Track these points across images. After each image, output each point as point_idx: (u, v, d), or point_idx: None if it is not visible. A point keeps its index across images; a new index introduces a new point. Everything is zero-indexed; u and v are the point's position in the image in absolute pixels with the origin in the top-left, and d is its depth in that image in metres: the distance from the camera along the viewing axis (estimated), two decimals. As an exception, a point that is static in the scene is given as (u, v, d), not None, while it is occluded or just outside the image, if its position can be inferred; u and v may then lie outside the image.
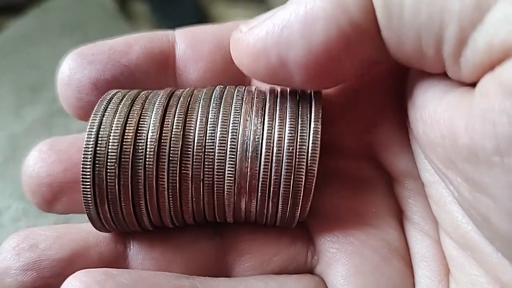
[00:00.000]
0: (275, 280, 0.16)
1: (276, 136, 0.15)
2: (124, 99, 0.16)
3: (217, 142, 0.15)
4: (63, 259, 0.16)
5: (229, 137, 0.15)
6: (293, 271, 0.17)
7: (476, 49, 0.11)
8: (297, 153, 0.15)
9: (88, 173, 0.15)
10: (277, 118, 0.15)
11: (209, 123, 0.15)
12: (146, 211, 0.15)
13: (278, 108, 0.15)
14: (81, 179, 0.15)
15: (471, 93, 0.12)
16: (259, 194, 0.15)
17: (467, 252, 0.15)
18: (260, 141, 0.15)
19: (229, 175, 0.15)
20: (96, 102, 0.16)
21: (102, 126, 0.15)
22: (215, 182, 0.15)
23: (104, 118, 0.15)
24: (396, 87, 0.16)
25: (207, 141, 0.15)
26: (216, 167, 0.15)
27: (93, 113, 0.15)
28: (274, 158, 0.15)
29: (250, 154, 0.15)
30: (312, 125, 0.15)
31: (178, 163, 0.15)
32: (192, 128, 0.15)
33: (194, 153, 0.15)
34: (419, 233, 0.17)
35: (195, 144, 0.15)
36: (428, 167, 0.16)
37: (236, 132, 0.15)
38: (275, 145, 0.15)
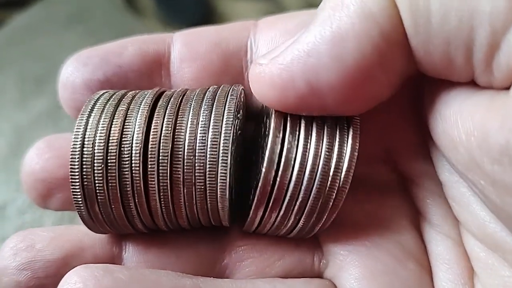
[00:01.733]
0: (282, 283, 0.16)
1: (312, 151, 0.14)
2: (111, 99, 0.15)
3: (209, 144, 0.14)
4: (57, 260, 0.16)
5: (222, 139, 0.14)
6: (299, 275, 0.17)
7: (510, 52, 0.11)
8: (332, 172, 0.14)
9: (77, 175, 0.14)
10: (313, 133, 0.14)
11: (200, 124, 0.14)
12: (137, 214, 0.15)
13: (314, 123, 0.15)
14: (70, 180, 0.14)
15: (503, 94, 0.11)
16: (283, 207, 0.15)
17: (497, 252, 0.14)
18: (294, 155, 0.14)
19: (222, 178, 0.14)
20: None
21: (88, 127, 0.15)
22: (208, 187, 0.14)
23: (90, 119, 0.15)
24: (410, 89, 0.16)
25: (198, 144, 0.14)
26: (208, 170, 0.14)
27: (80, 114, 0.15)
28: (307, 173, 0.14)
29: (279, 166, 0.14)
30: (350, 145, 0.14)
31: (168, 166, 0.14)
32: (183, 130, 0.14)
33: (185, 156, 0.14)
34: (439, 235, 0.16)
35: (186, 147, 0.14)
36: (447, 166, 0.15)
37: (229, 135, 0.14)
38: (309, 161, 0.14)
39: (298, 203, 0.15)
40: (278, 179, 0.14)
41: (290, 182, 0.14)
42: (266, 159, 0.14)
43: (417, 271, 0.16)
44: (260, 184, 0.14)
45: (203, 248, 0.16)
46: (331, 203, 0.15)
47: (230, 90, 0.15)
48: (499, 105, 0.11)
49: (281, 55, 0.13)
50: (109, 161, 0.14)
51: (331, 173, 0.14)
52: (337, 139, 0.14)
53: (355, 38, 0.12)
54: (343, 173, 0.14)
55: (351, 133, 0.14)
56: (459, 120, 0.12)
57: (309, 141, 0.14)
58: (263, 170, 0.14)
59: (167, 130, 0.14)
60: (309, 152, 0.14)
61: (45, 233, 0.16)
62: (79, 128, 0.15)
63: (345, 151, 0.14)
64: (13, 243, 0.16)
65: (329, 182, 0.14)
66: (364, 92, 0.13)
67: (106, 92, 0.16)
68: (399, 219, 0.17)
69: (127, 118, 0.15)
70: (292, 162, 0.14)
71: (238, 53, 0.17)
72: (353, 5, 0.12)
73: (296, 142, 0.14)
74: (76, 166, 0.14)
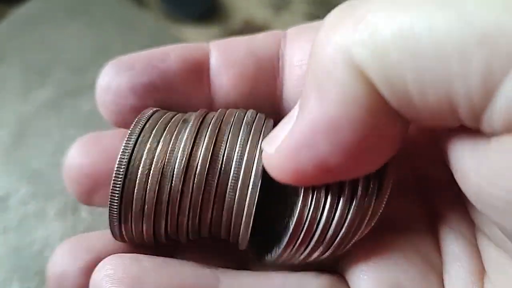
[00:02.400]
0: (293, 275, 0.17)
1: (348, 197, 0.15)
2: (159, 122, 0.16)
3: (242, 173, 0.15)
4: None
5: (254, 168, 0.15)
6: (309, 268, 0.17)
7: (495, 122, 0.11)
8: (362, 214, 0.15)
9: (117, 193, 0.15)
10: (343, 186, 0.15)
11: (236, 153, 0.16)
12: (165, 231, 0.16)
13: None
14: (109, 197, 0.15)
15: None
16: (311, 244, 0.15)
17: (510, 253, 0.14)
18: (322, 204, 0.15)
19: (250, 203, 0.15)
20: (134, 107, 0.17)
21: (135, 149, 0.15)
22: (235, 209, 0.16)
23: (139, 137, 0.16)
24: None
25: (233, 171, 0.15)
26: (238, 193, 0.15)
27: (128, 135, 0.16)
28: (337, 213, 0.15)
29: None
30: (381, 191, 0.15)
31: (202, 192, 0.15)
32: (220, 156, 0.16)
33: (220, 178, 0.15)
34: (454, 234, 0.17)
35: (221, 172, 0.16)
36: None
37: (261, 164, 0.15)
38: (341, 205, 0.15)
39: (326, 239, 0.15)
40: (309, 219, 0.15)
41: (321, 218, 0.15)
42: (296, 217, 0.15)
43: (425, 269, 0.16)
44: (293, 224, 0.15)
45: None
46: (357, 238, 0.15)
47: (265, 122, 0.17)
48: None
49: (285, 146, 0.14)
50: (149, 184, 0.15)
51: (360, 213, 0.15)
52: (371, 185, 0.15)
53: (348, 125, 0.12)
54: (371, 215, 0.15)
55: (385, 180, 0.15)
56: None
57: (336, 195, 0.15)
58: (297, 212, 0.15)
59: (205, 155, 0.15)
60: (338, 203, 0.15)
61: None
62: (126, 149, 0.15)
63: (374, 195, 0.15)
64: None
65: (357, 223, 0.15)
66: (371, 159, 0.14)
67: (157, 111, 0.17)
68: (413, 217, 0.17)
69: (171, 141, 0.16)
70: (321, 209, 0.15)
71: (270, 61, 0.18)
72: (337, 94, 0.12)
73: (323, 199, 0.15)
74: (118, 186, 0.15)
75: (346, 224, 0.15)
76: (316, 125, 0.13)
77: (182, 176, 0.15)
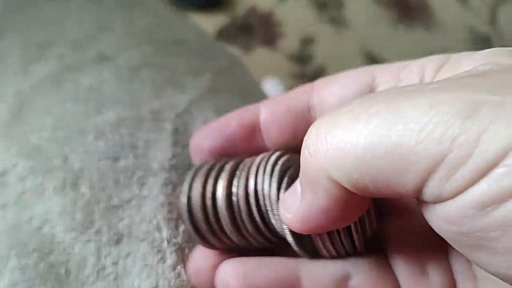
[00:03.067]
0: (349, 259, 0.24)
1: None
2: (213, 168, 0.25)
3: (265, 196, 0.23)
4: None
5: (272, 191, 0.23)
6: None
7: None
8: None
9: (189, 218, 0.24)
10: None
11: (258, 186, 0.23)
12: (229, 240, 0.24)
13: None
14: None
15: None
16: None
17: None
18: None
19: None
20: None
21: (193, 182, 0.24)
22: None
23: (195, 178, 0.25)
24: None
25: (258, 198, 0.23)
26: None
27: (191, 172, 0.25)
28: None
29: None
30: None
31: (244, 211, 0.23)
32: (249, 188, 0.23)
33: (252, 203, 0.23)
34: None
35: (252, 198, 0.23)
36: None
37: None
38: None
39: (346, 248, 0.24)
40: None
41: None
42: None
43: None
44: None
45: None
46: None
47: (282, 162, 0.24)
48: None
49: (296, 218, 0.20)
50: (206, 210, 0.24)
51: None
52: None
53: (333, 209, 0.19)
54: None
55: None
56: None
57: None
58: None
59: (240, 188, 0.23)
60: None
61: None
62: (185, 188, 0.25)
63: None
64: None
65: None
66: (353, 215, 0.21)
67: (209, 161, 0.25)
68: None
69: (217, 180, 0.24)
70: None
71: (304, 113, 0.25)
72: (323, 193, 0.19)
73: None
74: (187, 212, 0.24)
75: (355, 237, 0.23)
76: (314, 210, 0.19)
77: (227, 207, 0.23)
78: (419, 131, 0.15)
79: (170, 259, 0.26)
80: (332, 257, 0.24)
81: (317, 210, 0.19)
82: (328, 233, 0.22)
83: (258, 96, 0.44)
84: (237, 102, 0.35)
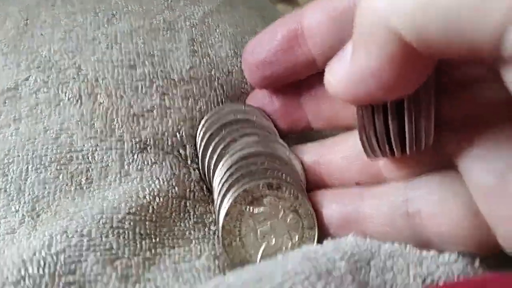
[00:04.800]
0: (416, 179, 0.22)
1: None
2: None
3: None
4: None
5: None
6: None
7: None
8: None
9: None
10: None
11: None
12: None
13: None
14: None
15: None
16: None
17: None
18: None
19: None
20: (262, 76, 0.24)
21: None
22: None
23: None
24: None
25: None
26: None
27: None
28: None
29: None
30: None
31: None
32: None
33: None
34: None
35: None
36: None
37: None
38: None
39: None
40: None
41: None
42: None
43: None
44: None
45: None
46: None
47: None
48: None
49: (342, 82, 0.18)
50: None
51: None
52: None
53: (388, 72, 0.16)
54: None
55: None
56: None
57: None
58: None
59: None
60: None
61: None
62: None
63: None
64: None
65: None
66: (410, 86, 0.18)
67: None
68: None
69: None
70: None
71: (350, 13, 0.20)
72: (379, 50, 0.16)
73: None
74: None
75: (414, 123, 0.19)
76: (365, 72, 0.17)
77: None
78: None
79: (194, 175, 0.24)
80: (373, 152, 0.21)
81: (368, 71, 0.17)
82: (373, 112, 0.19)
83: (275, 10, 0.42)
84: (254, 17, 0.33)
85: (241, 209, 0.22)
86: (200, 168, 0.25)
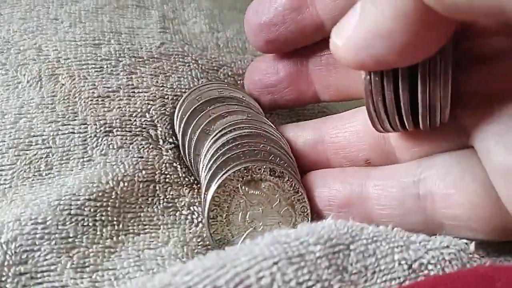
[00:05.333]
0: (428, 158, 0.20)
1: None
2: None
3: None
4: None
5: None
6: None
7: None
8: None
9: None
10: None
11: None
12: None
13: None
14: None
15: None
16: None
17: None
18: None
19: None
20: (266, 39, 0.23)
21: None
22: None
23: None
24: None
25: None
26: None
27: None
28: None
29: None
30: None
31: None
32: None
33: None
34: None
35: None
36: None
37: None
38: None
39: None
40: None
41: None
42: None
43: None
44: None
45: None
46: None
47: None
48: None
49: (349, 44, 0.16)
50: None
51: None
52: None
53: (400, 34, 0.15)
54: None
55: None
56: None
57: None
58: None
59: None
60: None
61: None
62: None
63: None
64: None
65: None
66: (424, 52, 0.16)
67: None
68: None
69: None
70: None
71: None
72: (392, 9, 0.15)
73: None
74: None
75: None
76: (375, 34, 0.15)
77: None
78: None
79: (167, 156, 0.23)
80: (381, 123, 0.19)
81: (378, 32, 0.15)
82: (383, 78, 0.17)
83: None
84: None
85: (236, 186, 0.21)
86: (181, 145, 0.23)
